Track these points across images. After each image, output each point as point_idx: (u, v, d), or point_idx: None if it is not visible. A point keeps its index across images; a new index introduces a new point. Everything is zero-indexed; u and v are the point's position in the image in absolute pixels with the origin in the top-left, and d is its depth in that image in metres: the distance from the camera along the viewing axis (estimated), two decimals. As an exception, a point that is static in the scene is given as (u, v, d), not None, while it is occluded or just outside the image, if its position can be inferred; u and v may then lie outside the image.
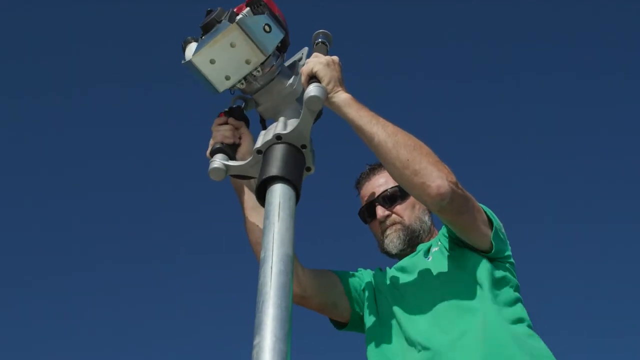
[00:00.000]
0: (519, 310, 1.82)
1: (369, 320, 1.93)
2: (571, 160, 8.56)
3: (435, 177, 1.61)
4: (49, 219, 8.32)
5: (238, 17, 1.63)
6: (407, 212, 2.03)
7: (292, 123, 1.64)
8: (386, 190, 2.06)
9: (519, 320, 1.78)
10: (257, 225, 1.81)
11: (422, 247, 2.00)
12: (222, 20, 1.65)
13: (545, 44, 8.20)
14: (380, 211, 2.04)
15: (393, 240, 2.01)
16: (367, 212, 2.09)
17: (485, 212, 1.81)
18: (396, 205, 2.04)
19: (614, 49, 8.30)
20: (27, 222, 8.17)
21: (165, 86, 7.73)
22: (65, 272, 8.28)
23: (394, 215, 2.04)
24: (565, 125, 8.44)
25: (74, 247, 8.24)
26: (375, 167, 2.13)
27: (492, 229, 1.81)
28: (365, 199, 2.11)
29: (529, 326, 1.80)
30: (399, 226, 2.03)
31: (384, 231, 2.04)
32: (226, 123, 1.79)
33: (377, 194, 2.07)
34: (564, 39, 8.35)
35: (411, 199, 2.04)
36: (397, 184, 2.01)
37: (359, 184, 2.17)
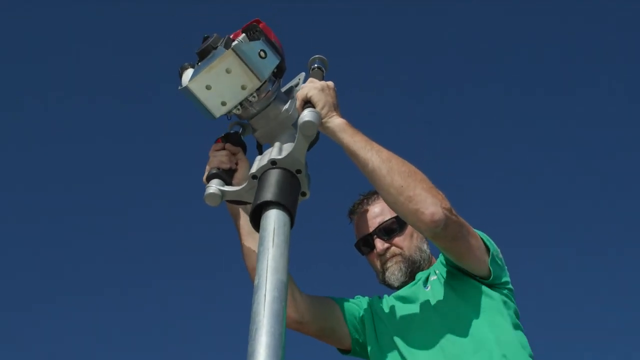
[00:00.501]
0: (520, 337, 1.79)
1: (371, 349, 1.91)
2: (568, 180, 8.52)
3: (430, 203, 1.60)
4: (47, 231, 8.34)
5: (234, 43, 1.64)
6: (406, 243, 2.00)
7: (287, 148, 1.63)
8: (384, 221, 2.02)
9: (520, 348, 1.75)
10: (254, 251, 1.79)
11: (420, 276, 1.97)
12: (218, 47, 1.66)
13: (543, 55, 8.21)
14: (380, 244, 2.00)
15: (394, 272, 1.98)
16: (365, 244, 2.05)
17: (482, 238, 1.80)
18: (395, 237, 2.00)
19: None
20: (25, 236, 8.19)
21: (164, 108, 7.77)
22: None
23: (393, 248, 2.00)
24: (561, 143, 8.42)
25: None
26: (369, 196, 2.10)
27: (489, 255, 1.79)
28: (362, 230, 2.06)
29: (530, 355, 1.77)
30: (399, 258, 1.99)
31: (384, 264, 2.00)
32: (223, 149, 1.78)
33: (374, 226, 2.03)
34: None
35: (409, 229, 2.01)
36: (394, 215, 1.99)
37: (352, 213, 2.13)
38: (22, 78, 7.89)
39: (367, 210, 2.07)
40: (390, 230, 2.01)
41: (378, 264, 2.03)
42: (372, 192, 2.09)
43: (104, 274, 8.14)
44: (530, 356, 1.77)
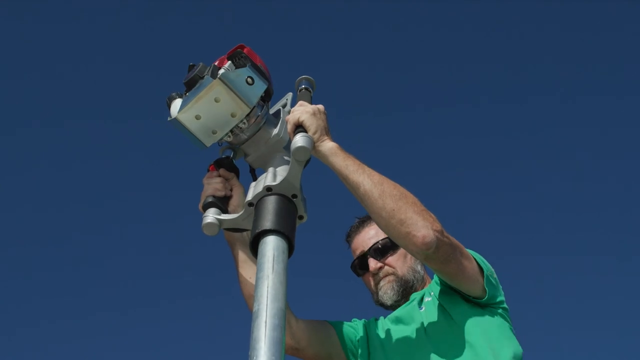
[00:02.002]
0: (517, 356, 1.77)
1: None
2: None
3: (421, 226, 1.60)
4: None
5: (220, 72, 1.64)
6: (400, 262, 2.03)
7: (281, 173, 1.64)
8: (377, 242, 2.05)
9: None
10: (250, 278, 1.81)
11: (415, 296, 1.98)
12: (204, 76, 1.66)
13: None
14: (373, 263, 2.04)
15: (387, 292, 2.00)
16: (359, 265, 2.08)
17: (475, 259, 1.80)
18: (388, 257, 2.04)
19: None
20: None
21: (156, 134, 7.79)
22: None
23: (386, 267, 2.03)
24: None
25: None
26: (365, 219, 2.13)
27: (483, 275, 1.79)
28: (357, 252, 2.10)
29: None
30: (392, 277, 2.02)
31: (377, 283, 2.03)
32: (217, 176, 1.79)
33: (368, 247, 2.07)
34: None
35: (402, 250, 2.03)
36: (387, 236, 2.01)
37: (349, 237, 2.17)
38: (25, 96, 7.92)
39: (362, 233, 2.11)
40: (383, 249, 2.04)
41: (372, 283, 2.05)
42: (367, 215, 2.09)
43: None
44: None
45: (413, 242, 1.61)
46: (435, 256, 1.64)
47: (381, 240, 2.04)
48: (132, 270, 8.47)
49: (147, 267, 8.39)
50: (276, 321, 1.35)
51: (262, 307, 1.37)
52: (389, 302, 2.00)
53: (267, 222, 1.53)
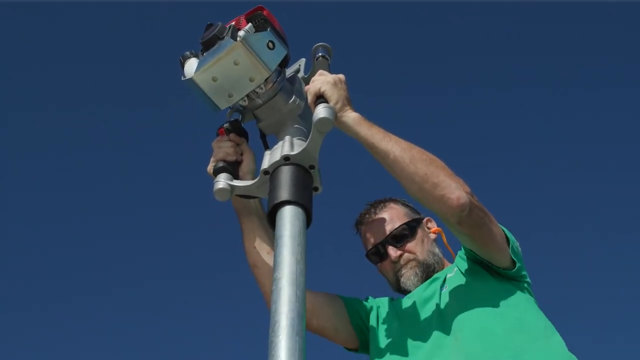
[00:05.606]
0: (544, 330, 1.77)
1: (373, 352, 1.89)
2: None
3: (454, 188, 1.63)
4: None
5: (242, 34, 1.59)
6: (419, 247, 2.00)
7: (299, 143, 1.62)
8: (394, 229, 2.01)
9: (547, 342, 1.73)
10: (255, 248, 1.79)
11: (438, 276, 1.97)
12: (224, 37, 1.61)
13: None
14: (393, 251, 1.99)
15: (410, 277, 1.97)
16: (376, 253, 2.03)
17: (501, 227, 1.81)
18: (407, 243, 2.00)
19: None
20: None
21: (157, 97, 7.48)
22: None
23: (406, 254, 1.99)
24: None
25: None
26: (376, 205, 2.09)
27: (509, 246, 1.80)
28: (372, 240, 2.04)
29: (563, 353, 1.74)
30: (414, 263, 1.99)
31: (397, 271, 1.99)
32: (227, 140, 1.75)
33: (384, 234, 2.01)
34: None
35: (419, 235, 2.02)
36: (403, 222, 2.01)
37: (360, 224, 2.10)
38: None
39: (374, 220, 2.05)
40: (401, 237, 2.00)
41: (391, 272, 2.01)
42: (378, 201, 2.10)
43: (111, 275, 8.00)
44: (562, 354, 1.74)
45: (448, 204, 1.63)
46: (469, 219, 1.66)
47: (398, 226, 2.00)
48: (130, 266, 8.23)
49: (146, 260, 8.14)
50: (303, 296, 1.35)
51: (286, 278, 1.36)
52: (412, 288, 1.97)
53: (287, 192, 1.51)
